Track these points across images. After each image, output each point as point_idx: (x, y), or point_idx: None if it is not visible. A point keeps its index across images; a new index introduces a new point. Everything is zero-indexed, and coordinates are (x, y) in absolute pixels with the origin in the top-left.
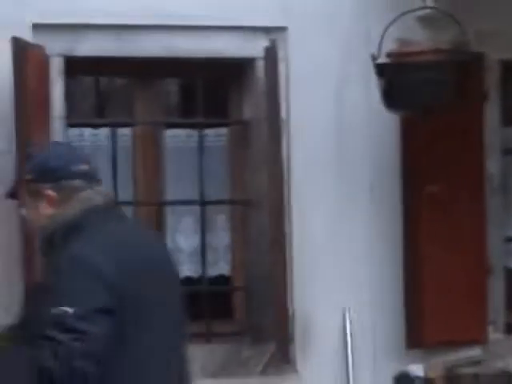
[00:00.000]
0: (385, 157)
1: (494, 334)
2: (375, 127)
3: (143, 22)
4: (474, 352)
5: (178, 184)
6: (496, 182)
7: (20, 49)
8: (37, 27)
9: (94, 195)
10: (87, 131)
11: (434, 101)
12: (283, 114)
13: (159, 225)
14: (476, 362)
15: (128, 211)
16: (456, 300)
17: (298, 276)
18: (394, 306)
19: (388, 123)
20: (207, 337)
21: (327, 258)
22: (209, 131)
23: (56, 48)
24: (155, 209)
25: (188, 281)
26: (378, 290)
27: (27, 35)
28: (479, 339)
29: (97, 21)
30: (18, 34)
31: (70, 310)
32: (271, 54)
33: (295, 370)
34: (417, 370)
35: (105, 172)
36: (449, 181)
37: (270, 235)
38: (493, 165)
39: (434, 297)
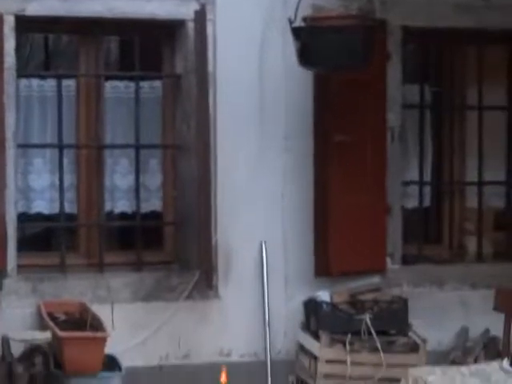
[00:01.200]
0: (299, 109)
1: (392, 265)
2: (291, 82)
3: None
4: (374, 280)
5: (116, 130)
6: (396, 133)
7: None
8: None
9: None
10: (35, 82)
11: (343, 61)
12: (210, 68)
13: (99, 165)
14: (375, 289)
15: (72, 153)
16: (359, 235)
17: (221, 212)
18: (305, 240)
19: (303, 79)
20: (139, 265)
21: (247, 197)
22: (144, 83)
23: (9, 8)
24: (95, 151)
25: (123, 216)
26: (291, 226)
27: None
28: (379, 269)
29: None
30: None
31: None
32: (200, 17)
33: (217, 296)
34: (323, 295)
35: (51, 119)
36: (355, 131)
37: (197, 176)
38: (393, 117)
39: (340, 232)
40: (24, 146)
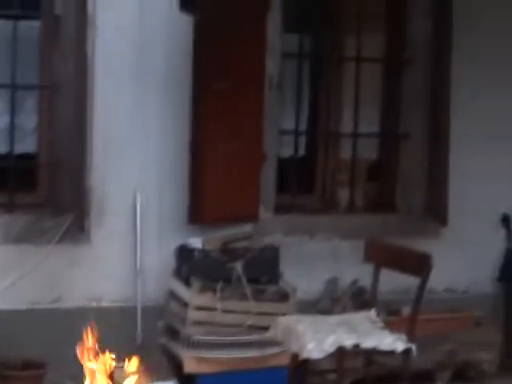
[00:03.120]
0: (179, 54)
1: (265, 213)
2: (172, 27)
3: None
4: (247, 228)
5: None
6: (274, 82)
7: None
8: None
9: None
10: None
11: (220, 11)
12: (90, 10)
13: None
14: (247, 237)
15: None
16: (233, 182)
17: (96, 156)
18: (179, 186)
19: (183, 24)
20: (10, 207)
21: (123, 141)
22: (23, 23)
23: None
24: None
25: None
26: (166, 172)
27: None
28: (251, 217)
29: None
30: None
31: None
32: None
33: (89, 240)
34: (196, 242)
35: None
36: (234, 78)
37: (73, 118)
38: (272, 66)
39: (214, 179)
40: None
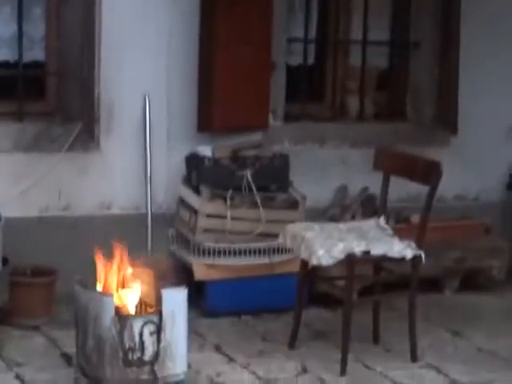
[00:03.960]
0: None
1: (274, 122)
2: None
3: None
4: (256, 136)
5: None
6: None
7: None
8: None
9: None
10: None
11: None
12: None
13: None
14: (257, 146)
15: None
16: (243, 91)
17: (105, 64)
18: (189, 94)
19: None
20: (20, 115)
21: (132, 49)
22: None
23: None
24: None
25: (5, 65)
26: (175, 79)
27: None
28: (261, 125)
29: None
30: None
31: None
32: None
33: (99, 148)
34: (205, 150)
35: None
36: None
37: (81, 26)
38: None
39: (224, 87)
40: None
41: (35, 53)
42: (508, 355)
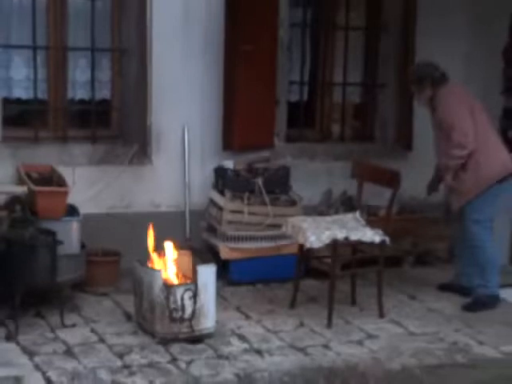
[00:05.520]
0: (214, 25)
1: (278, 142)
2: (209, 5)
3: None
4: (265, 153)
5: (77, 35)
6: (285, 45)
7: None
8: None
9: None
10: None
11: None
12: None
13: (64, 63)
14: (266, 160)
15: (43, 53)
16: (255, 120)
17: (155, 101)
18: (216, 123)
19: (218, 3)
20: (93, 139)
21: (175, 91)
22: (98, 2)
23: None
24: (61, 52)
25: (82, 102)
26: (206, 112)
27: None
28: (269, 145)
29: None
30: None
31: None
32: None
33: (151, 162)
34: (228, 164)
35: (27, 25)
36: (255, 42)
37: (137, 73)
38: (283, 33)
39: (242, 117)
40: (4, 47)
41: (103, 93)
42: (450, 313)
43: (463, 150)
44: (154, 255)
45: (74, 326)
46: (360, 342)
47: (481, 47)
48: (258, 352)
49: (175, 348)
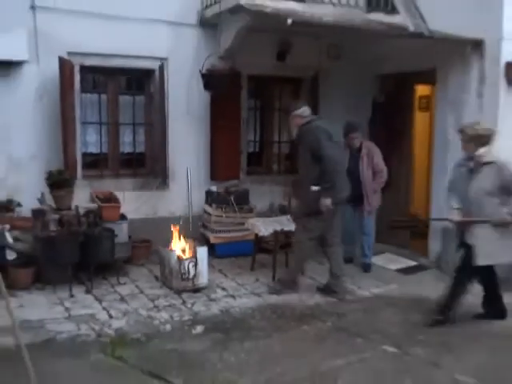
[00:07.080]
0: (204, 109)
1: (242, 175)
2: (202, 97)
3: None
4: (235, 182)
5: (125, 115)
6: (245, 121)
7: None
8: None
9: None
10: (89, 95)
11: (221, 90)
12: (166, 90)
13: (118, 131)
14: (236, 185)
15: (106, 126)
16: (229, 163)
17: (171, 154)
18: (207, 164)
19: (206, 96)
20: (134, 175)
21: (182, 148)
22: (136, 97)
23: None
24: (115, 126)
25: (128, 154)
26: (201, 159)
27: None
28: (237, 177)
29: None
30: None
31: None
32: (162, 67)
33: (169, 189)
34: (214, 188)
35: (96, 112)
36: (227, 119)
37: (160, 137)
38: (244, 114)
39: (220, 162)
40: (84, 123)
41: (140, 148)
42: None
43: None
44: (172, 242)
45: (124, 283)
46: None
47: (358, 118)
48: (232, 296)
49: (184, 295)
